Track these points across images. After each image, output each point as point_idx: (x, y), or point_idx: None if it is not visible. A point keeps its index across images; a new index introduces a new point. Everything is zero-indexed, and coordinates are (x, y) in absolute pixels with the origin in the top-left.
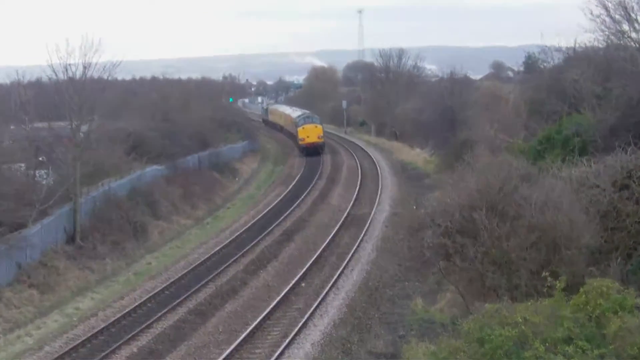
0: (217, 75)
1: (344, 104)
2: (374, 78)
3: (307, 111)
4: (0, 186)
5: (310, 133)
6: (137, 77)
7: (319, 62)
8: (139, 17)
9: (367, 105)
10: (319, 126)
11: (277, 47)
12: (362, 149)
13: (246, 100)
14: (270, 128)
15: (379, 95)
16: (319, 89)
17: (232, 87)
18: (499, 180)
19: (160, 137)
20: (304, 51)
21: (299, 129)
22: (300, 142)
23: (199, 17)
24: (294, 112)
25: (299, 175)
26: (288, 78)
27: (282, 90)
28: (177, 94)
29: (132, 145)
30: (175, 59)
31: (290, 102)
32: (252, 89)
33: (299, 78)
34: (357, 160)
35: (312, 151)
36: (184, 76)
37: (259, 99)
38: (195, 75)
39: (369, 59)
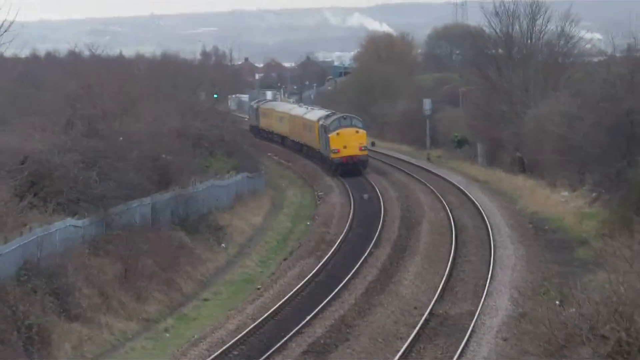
0: (190, 49)
1: (427, 105)
2: (483, 57)
3: (332, 111)
4: None
5: (349, 141)
6: (43, 52)
7: (376, 26)
8: None
9: (470, 109)
10: (362, 131)
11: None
12: (459, 189)
13: (244, 98)
14: (267, 141)
15: (494, 90)
16: (380, 77)
17: (219, 73)
18: None
19: (80, 167)
20: (348, 5)
21: (332, 135)
22: (332, 156)
23: None
24: (313, 113)
25: (341, 238)
26: (322, 56)
27: (311, 77)
28: (115, 86)
29: (28, 180)
30: (114, 19)
31: (327, 103)
32: (257, 77)
33: (342, 55)
34: (449, 211)
35: (351, 169)
36: (127, 49)
37: (269, 94)
38: (150, 48)
39: (472, 19)
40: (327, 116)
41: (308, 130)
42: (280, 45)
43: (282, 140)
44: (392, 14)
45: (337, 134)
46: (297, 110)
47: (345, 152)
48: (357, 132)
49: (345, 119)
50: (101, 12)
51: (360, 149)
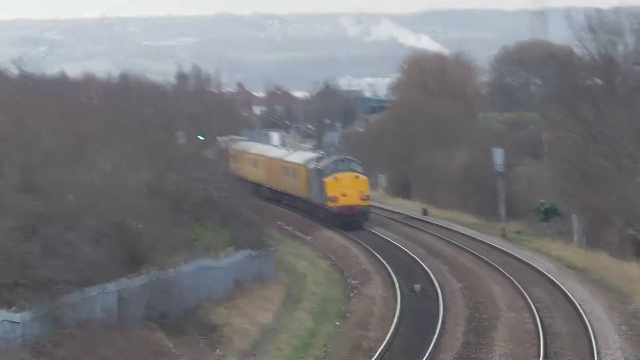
0: (159, 69)
1: (498, 157)
2: (574, 89)
3: (321, 152)
4: None
5: (349, 188)
6: None
7: (411, 40)
8: None
9: (559, 164)
10: (362, 177)
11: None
12: (549, 279)
13: (314, 157)
14: None
15: (590, 138)
16: (429, 116)
17: (203, 105)
18: None
19: (15, 237)
20: (380, 11)
21: (328, 180)
22: (330, 205)
23: None
24: (297, 155)
25: (383, 345)
26: (347, 83)
27: (333, 114)
28: (58, 121)
29: None
30: (51, 22)
31: (357, 153)
32: (255, 111)
33: (375, 83)
34: (535, 311)
35: (350, 222)
36: (71, 66)
37: (274, 137)
38: (102, 65)
39: (555, 33)
40: (320, 158)
41: (292, 175)
42: (286, 66)
43: (256, 188)
44: (442, 24)
45: (335, 178)
46: (275, 152)
47: (344, 201)
48: (357, 177)
49: (343, 161)
50: (33, 12)
51: (362, 199)
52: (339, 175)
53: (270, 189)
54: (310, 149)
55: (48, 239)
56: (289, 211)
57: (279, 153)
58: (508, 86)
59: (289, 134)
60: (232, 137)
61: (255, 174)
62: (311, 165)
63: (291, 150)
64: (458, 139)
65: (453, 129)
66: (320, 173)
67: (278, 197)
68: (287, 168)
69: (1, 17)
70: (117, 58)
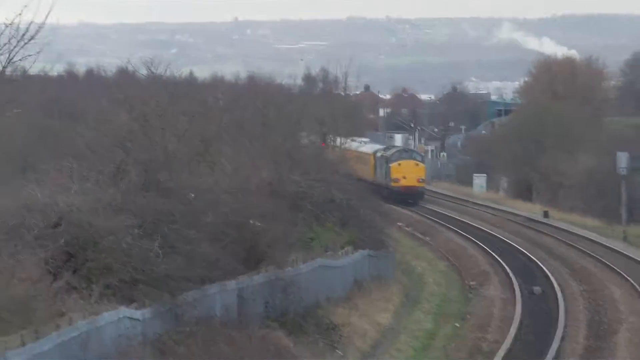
0: (288, 71)
1: (623, 161)
2: None
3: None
4: None
5: (409, 172)
6: (82, 68)
7: (534, 44)
8: None
9: None
10: (421, 164)
11: (449, 5)
12: None
13: (362, 143)
14: None
15: None
16: (556, 120)
17: (329, 107)
18: None
19: (136, 234)
20: (501, 15)
21: (393, 165)
22: (392, 185)
23: None
24: (367, 147)
25: (503, 348)
26: (474, 87)
27: (458, 117)
28: (183, 120)
29: (64, 251)
30: (182, 25)
31: (480, 154)
32: (381, 113)
33: (503, 87)
34: None
35: (408, 199)
36: (201, 69)
37: (398, 138)
38: (232, 67)
39: None
40: (386, 148)
41: (362, 163)
42: (414, 69)
43: None
44: (575, 29)
45: (399, 164)
46: (353, 145)
47: (404, 182)
48: (416, 164)
49: (406, 151)
50: (164, 15)
51: (418, 181)
52: (402, 162)
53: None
54: (432, 149)
55: (168, 236)
56: (409, 213)
57: (354, 146)
58: (638, 91)
59: (412, 136)
60: (355, 138)
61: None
62: (379, 154)
63: (362, 144)
64: (584, 143)
65: (579, 133)
66: (387, 160)
67: None
68: (359, 157)
69: (135, 20)
70: (247, 61)
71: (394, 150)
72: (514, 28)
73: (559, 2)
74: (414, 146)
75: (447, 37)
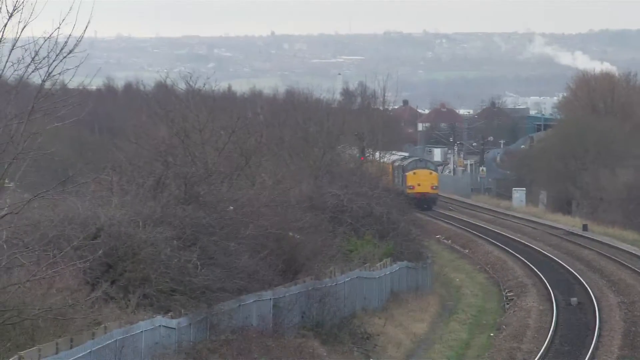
0: (326, 86)
1: None
2: None
3: (404, 154)
4: None
5: (423, 180)
6: (120, 82)
7: (567, 59)
8: None
9: None
10: (434, 173)
11: (484, 20)
12: None
13: (399, 157)
14: None
15: None
16: (595, 135)
17: (367, 121)
18: None
19: (175, 246)
20: (533, 30)
21: (409, 174)
22: (408, 192)
23: None
24: (386, 157)
25: (537, 357)
26: (513, 102)
27: (497, 132)
28: (223, 135)
29: (103, 262)
30: (219, 39)
31: (518, 169)
32: (420, 128)
33: (541, 102)
34: None
35: (422, 204)
36: (239, 82)
37: (437, 152)
38: (270, 81)
39: None
40: (403, 158)
41: (383, 172)
42: (450, 83)
43: None
44: (610, 44)
45: (414, 173)
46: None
47: (419, 189)
48: (430, 173)
49: (420, 161)
50: (202, 29)
51: (432, 188)
52: (418, 170)
53: None
54: (471, 164)
55: (207, 248)
56: (449, 226)
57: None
58: None
59: (451, 150)
60: (394, 152)
61: None
62: (396, 164)
63: (382, 154)
64: (624, 158)
65: (619, 148)
66: (403, 169)
67: None
68: (380, 167)
69: (172, 34)
70: (285, 75)
71: (410, 160)
72: (547, 42)
73: (594, 18)
74: (454, 161)
75: (478, 50)
